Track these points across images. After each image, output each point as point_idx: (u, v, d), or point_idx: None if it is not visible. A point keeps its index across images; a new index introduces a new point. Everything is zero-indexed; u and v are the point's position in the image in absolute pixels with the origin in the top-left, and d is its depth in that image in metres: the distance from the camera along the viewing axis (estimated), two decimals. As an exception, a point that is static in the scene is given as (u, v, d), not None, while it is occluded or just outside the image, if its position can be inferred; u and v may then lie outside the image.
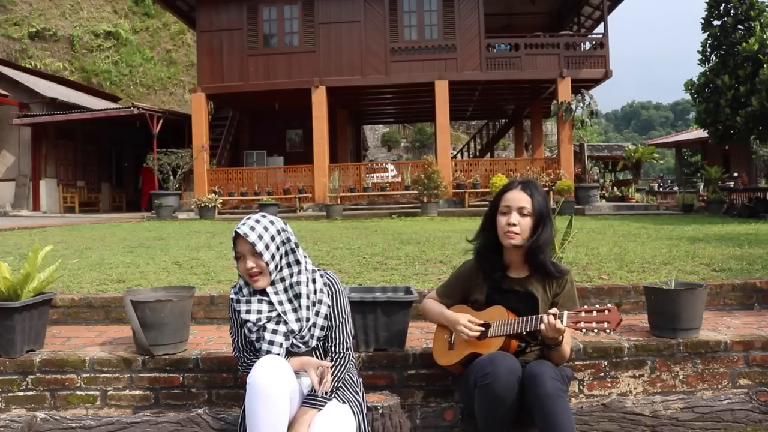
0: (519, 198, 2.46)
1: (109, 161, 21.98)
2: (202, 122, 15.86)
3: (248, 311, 2.29)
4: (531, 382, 2.26)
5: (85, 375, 2.83)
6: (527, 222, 2.45)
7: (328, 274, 2.41)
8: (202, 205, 14.19)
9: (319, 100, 15.49)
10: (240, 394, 2.79)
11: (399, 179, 15.91)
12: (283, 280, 2.30)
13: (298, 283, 2.31)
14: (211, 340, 3.16)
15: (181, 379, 2.83)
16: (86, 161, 20.54)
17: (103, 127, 20.21)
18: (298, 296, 2.30)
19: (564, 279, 2.54)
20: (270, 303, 2.30)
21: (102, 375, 2.83)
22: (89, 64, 27.42)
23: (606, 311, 2.29)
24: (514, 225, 2.44)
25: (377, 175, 16.51)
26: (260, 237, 2.22)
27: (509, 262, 2.56)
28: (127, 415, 2.77)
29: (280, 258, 2.28)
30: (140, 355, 2.85)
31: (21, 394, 2.82)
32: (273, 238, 2.25)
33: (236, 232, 2.24)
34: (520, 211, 2.45)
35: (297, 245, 2.33)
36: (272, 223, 2.28)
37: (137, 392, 2.83)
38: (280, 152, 19.39)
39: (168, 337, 2.83)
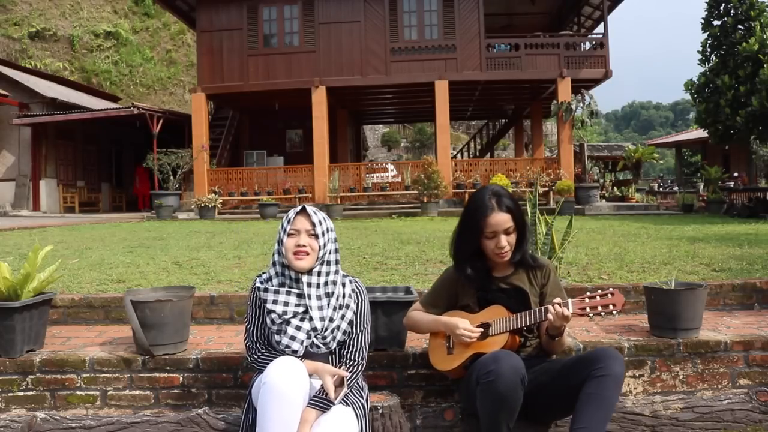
0: (502, 221, 2.45)
1: (109, 161, 21.98)
2: (202, 122, 15.86)
3: (275, 302, 2.30)
4: (601, 359, 2.26)
5: (85, 375, 2.83)
6: (513, 237, 2.49)
7: (356, 282, 2.44)
8: (202, 205, 14.19)
9: (319, 100, 15.49)
10: (240, 394, 2.79)
11: (399, 179, 15.91)
12: (319, 274, 2.32)
13: (334, 282, 2.34)
14: (211, 340, 3.16)
15: (181, 379, 2.83)
16: (86, 161, 20.54)
17: (103, 127, 20.21)
18: (329, 295, 2.33)
19: (547, 269, 2.58)
20: (298, 296, 2.30)
21: (102, 375, 2.83)
22: (89, 64, 27.43)
23: (609, 294, 2.32)
24: (505, 246, 2.46)
25: (377, 175, 16.51)
26: (320, 222, 2.31)
27: (493, 264, 2.58)
28: (127, 415, 2.77)
29: (328, 252, 2.33)
30: (140, 355, 2.85)
31: (21, 394, 2.82)
32: (328, 230, 2.34)
33: (303, 207, 2.32)
34: (506, 232, 2.46)
35: (338, 250, 2.39)
36: (327, 218, 2.38)
37: (137, 392, 2.83)
38: (280, 152, 19.39)
39: (168, 337, 2.83)
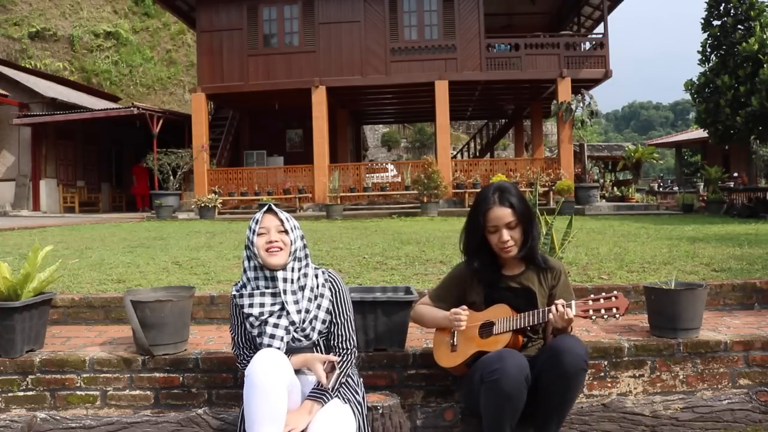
0: (502, 215, 2.46)
1: (109, 161, 21.97)
2: (202, 122, 15.86)
3: (251, 305, 2.33)
4: (556, 358, 2.28)
5: (85, 375, 2.83)
6: (518, 232, 2.49)
7: (329, 272, 2.48)
8: (202, 205, 14.19)
9: (319, 100, 15.49)
10: (240, 394, 2.78)
11: (399, 179, 15.91)
12: (292, 270, 2.35)
13: (305, 275, 2.38)
14: (211, 340, 3.16)
15: (181, 379, 2.83)
16: (86, 161, 20.54)
17: (103, 127, 20.20)
18: (302, 288, 2.36)
19: (558, 271, 2.58)
20: (273, 296, 2.33)
21: (102, 375, 2.83)
22: (89, 64, 27.42)
23: (613, 298, 2.32)
24: (508, 240, 2.47)
25: (377, 175, 16.51)
26: (287, 219, 2.36)
27: (504, 262, 2.58)
28: (127, 415, 2.77)
29: (299, 248, 2.37)
30: (140, 355, 2.85)
31: (21, 394, 2.82)
32: (296, 227, 2.38)
33: (269, 206, 2.36)
34: (508, 226, 2.46)
35: (306, 246, 2.44)
36: (292, 217, 2.42)
37: (137, 392, 2.83)
38: (280, 152, 19.39)
39: (168, 337, 2.83)
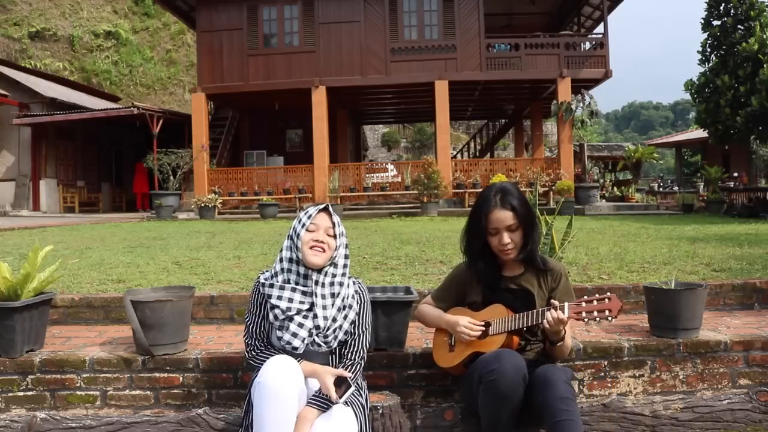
0: (504, 218, 2.45)
1: (109, 161, 21.96)
2: (202, 122, 15.86)
3: (280, 297, 2.31)
4: (543, 385, 2.26)
5: (85, 375, 2.83)
6: (518, 235, 2.48)
7: (359, 283, 2.48)
8: (202, 205, 14.19)
9: (319, 100, 15.49)
10: (240, 394, 2.79)
11: (399, 179, 15.92)
12: (326, 274, 2.35)
13: (341, 284, 2.37)
14: (211, 340, 3.16)
15: (181, 379, 2.83)
16: (86, 161, 20.53)
17: (103, 127, 20.20)
18: (334, 295, 2.35)
19: (558, 273, 2.57)
20: (303, 293, 2.32)
21: (102, 375, 2.83)
22: (89, 64, 27.42)
23: (606, 299, 2.32)
24: (508, 243, 2.46)
25: (377, 175, 16.52)
26: (338, 224, 2.36)
27: (503, 263, 2.58)
28: (127, 415, 2.77)
29: (340, 255, 2.37)
30: (140, 355, 2.85)
31: (21, 394, 2.82)
32: (343, 234, 2.38)
33: (327, 206, 2.37)
34: (509, 229, 2.46)
35: (348, 257, 2.44)
36: (342, 224, 2.43)
37: (137, 392, 2.83)
38: (280, 152, 19.39)
39: (168, 337, 2.83)
